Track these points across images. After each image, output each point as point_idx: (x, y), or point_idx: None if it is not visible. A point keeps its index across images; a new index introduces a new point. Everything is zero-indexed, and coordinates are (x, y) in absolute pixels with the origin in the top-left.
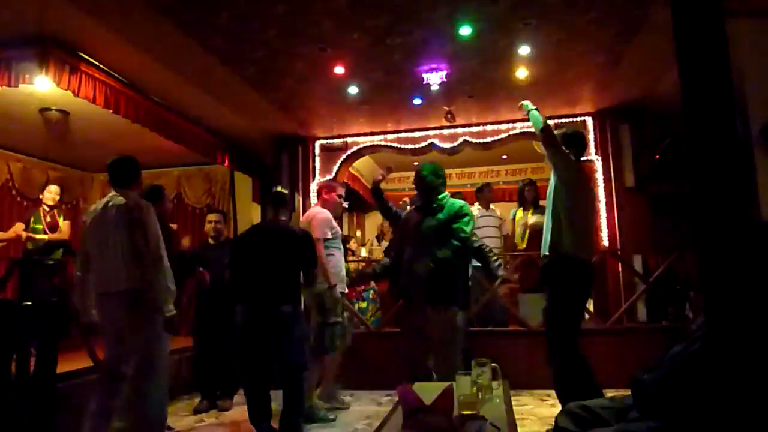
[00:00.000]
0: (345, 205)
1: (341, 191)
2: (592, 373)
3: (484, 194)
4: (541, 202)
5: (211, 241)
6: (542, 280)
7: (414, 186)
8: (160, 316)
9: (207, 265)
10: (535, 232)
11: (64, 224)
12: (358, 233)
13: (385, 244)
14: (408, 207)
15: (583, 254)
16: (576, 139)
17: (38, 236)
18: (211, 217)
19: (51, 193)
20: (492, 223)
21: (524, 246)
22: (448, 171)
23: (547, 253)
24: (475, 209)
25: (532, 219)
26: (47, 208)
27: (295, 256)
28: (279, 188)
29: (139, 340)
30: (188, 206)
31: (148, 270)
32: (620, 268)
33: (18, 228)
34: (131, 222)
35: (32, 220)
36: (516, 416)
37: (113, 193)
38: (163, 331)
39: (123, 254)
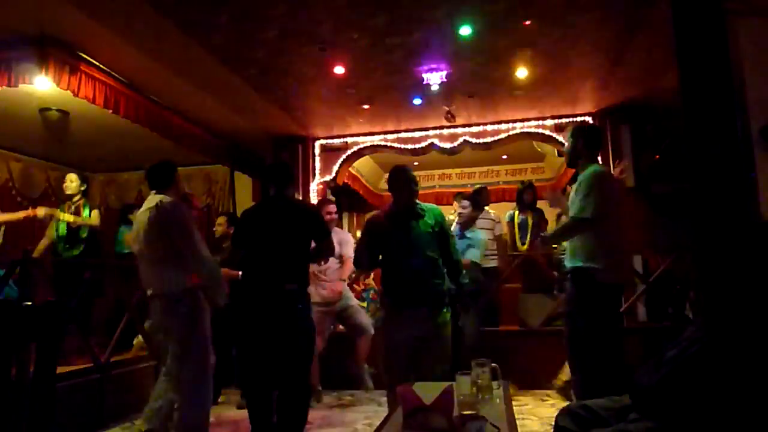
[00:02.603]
0: (334, 216)
1: (330, 208)
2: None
3: (482, 197)
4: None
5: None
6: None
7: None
8: (198, 317)
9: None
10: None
11: (94, 213)
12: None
13: None
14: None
15: (614, 276)
16: (588, 132)
17: (64, 216)
18: (221, 220)
19: (73, 182)
20: (486, 226)
21: (525, 248)
22: (448, 171)
23: (572, 266)
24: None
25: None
26: (71, 202)
27: (301, 233)
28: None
29: (174, 342)
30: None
31: (196, 269)
32: None
33: (38, 211)
34: (165, 225)
35: (58, 212)
36: (516, 416)
37: (150, 196)
38: (202, 331)
39: (160, 258)
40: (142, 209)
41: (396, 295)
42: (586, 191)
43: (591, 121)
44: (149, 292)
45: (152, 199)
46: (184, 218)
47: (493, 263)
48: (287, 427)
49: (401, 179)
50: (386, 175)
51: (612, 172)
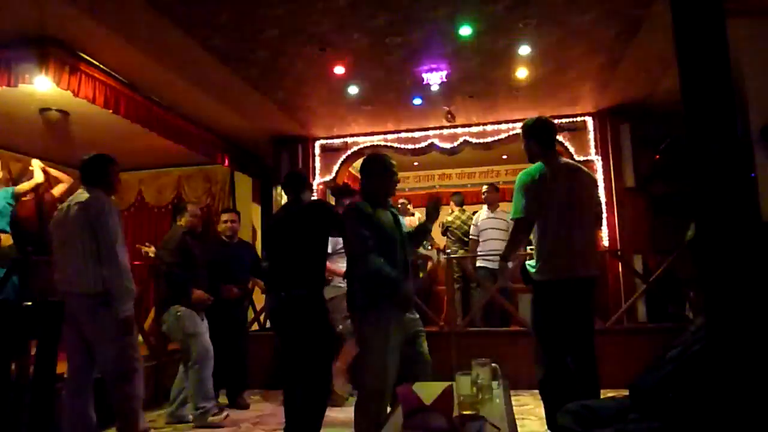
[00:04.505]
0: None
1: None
2: (575, 385)
3: (490, 195)
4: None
5: (225, 239)
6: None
7: (394, 183)
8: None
9: (226, 266)
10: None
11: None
12: None
13: None
14: (409, 208)
15: (549, 275)
16: (535, 129)
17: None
18: (226, 216)
19: (37, 167)
20: (498, 226)
21: None
22: (448, 171)
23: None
24: (484, 211)
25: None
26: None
27: (315, 233)
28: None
29: (104, 343)
30: None
31: (105, 271)
32: (620, 268)
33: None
34: (88, 221)
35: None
36: (516, 416)
37: (80, 190)
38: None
39: (85, 255)
40: (67, 202)
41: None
42: (515, 192)
43: (591, 121)
44: (67, 289)
45: (81, 195)
46: (108, 218)
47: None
48: (296, 425)
49: (387, 166)
50: None
51: (567, 167)
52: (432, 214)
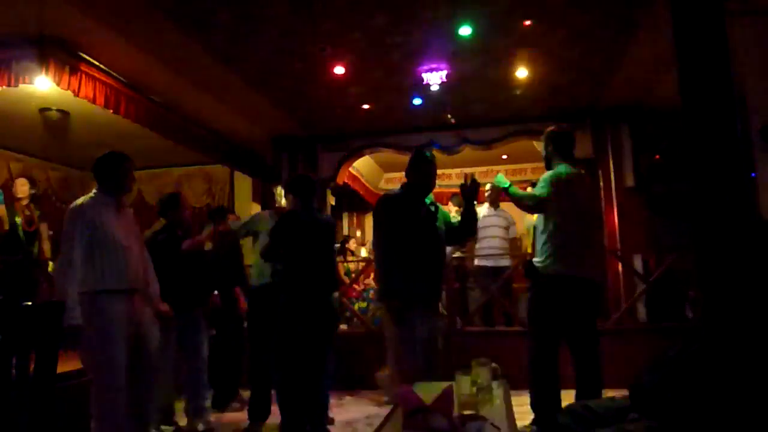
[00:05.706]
0: None
1: None
2: (556, 387)
3: (494, 192)
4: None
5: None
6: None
7: (432, 179)
8: (91, 328)
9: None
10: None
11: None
12: (358, 233)
13: None
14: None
15: (558, 268)
16: (556, 136)
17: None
18: (233, 216)
19: (24, 185)
20: (497, 223)
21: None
22: (448, 171)
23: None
24: (484, 208)
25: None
26: (22, 206)
27: (332, 246)
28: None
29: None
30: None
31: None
32: (620, 268)
33: None
34: None
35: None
36: (516, 416)
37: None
38: (92, 342)
39: None
40: None
41: (423, 290)
42: (543, 181)
43: (591, 121)
44: None
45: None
46: (67, 221)
47: (504, 262)
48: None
49: (430, 165)
50: (386, 176)
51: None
52: (470, 197)
